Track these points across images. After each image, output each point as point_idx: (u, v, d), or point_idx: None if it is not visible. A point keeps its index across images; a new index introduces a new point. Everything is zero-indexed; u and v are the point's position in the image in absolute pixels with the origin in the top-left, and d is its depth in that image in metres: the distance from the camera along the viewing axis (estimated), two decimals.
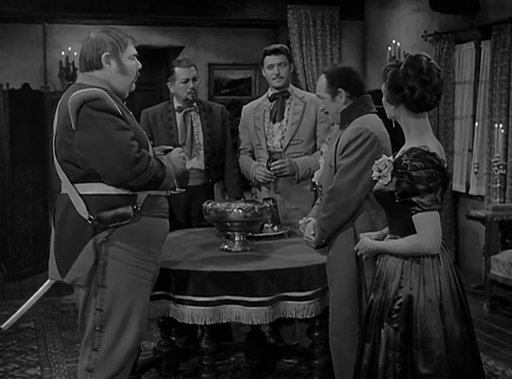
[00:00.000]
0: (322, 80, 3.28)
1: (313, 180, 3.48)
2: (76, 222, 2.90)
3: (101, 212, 2.87)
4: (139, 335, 3.02)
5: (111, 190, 2.90)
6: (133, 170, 2.84)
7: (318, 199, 3.46)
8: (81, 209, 2.89)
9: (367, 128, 3.15)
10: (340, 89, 3.23)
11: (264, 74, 4.37)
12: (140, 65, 3.06)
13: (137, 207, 2.92)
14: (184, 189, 3.43)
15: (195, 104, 4.42)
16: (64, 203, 2.96)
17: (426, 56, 2.68)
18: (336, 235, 3.21)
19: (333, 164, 3.21)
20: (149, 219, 2.97)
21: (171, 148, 3.20)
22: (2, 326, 3.04)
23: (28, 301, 3.05)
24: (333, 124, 3.39)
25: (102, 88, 2.91)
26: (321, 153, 3.45)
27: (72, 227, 2.92)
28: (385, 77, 2.71)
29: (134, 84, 3.08)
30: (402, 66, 2.65)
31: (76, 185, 2.91)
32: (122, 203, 2.90)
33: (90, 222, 2.88)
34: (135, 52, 3.04)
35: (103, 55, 2.95)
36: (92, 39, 2.97)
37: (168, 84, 4.41)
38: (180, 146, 4.25)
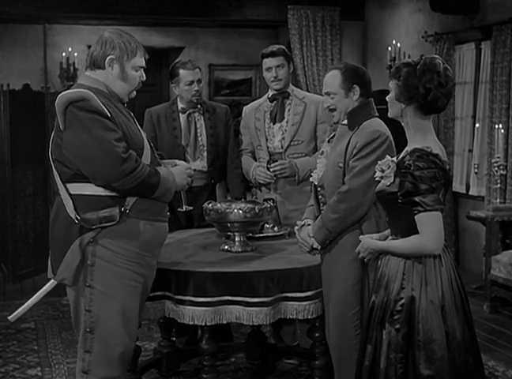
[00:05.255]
0: (336, 76, 3.24)
1: (310, 180, 3.43)
2: (65, 221, 2.91)
3: (87, 213, 2.86)
4: (130, 338, 2.98)
5: (100, 191, 2.88)
6: (118, 170, 2.80)
7: (312, 200, 3.42)
8: (70, 209, 2.89)
9: (384, 132, 3.17)
10: (355, 86, 3.22)
11: (264, 76, 4.37)
12: (144, 78, 3.04)
13: (125, 209, 2.89)
14: (192, 207, 3.41)
15: (199, 105, 4.42)
16: (57, 202, 2.98)
17: (441, 60, 2.68)
18: (341, 236, 3.21)
19: (341, 165, 3.18)
20: (138, 222, 2.93)
21: (183, 163, 3.19)
22: (10, 317, 3.03)
23: (35, 296, 3.03)
24: (335, 123, 3.34)
25: (95, 88, 2.89)
26: (322, 152, 3.42)
27: (61, 226, 2.93)
28: (398, 75, 2.68)
29: (135, 92, 3.06)
30: (419, 66, 2.64)
31: (67, 184, 2.92)
32: (110, 204, 2.88)
33: (77, 221, 2.88)
34: (142, 64, 3.02)
35: (108, 58, 2.94)
36: (104, 39, 2.97)
37: (172, 85, 4.41)
38: (184, 147, 4.28)
